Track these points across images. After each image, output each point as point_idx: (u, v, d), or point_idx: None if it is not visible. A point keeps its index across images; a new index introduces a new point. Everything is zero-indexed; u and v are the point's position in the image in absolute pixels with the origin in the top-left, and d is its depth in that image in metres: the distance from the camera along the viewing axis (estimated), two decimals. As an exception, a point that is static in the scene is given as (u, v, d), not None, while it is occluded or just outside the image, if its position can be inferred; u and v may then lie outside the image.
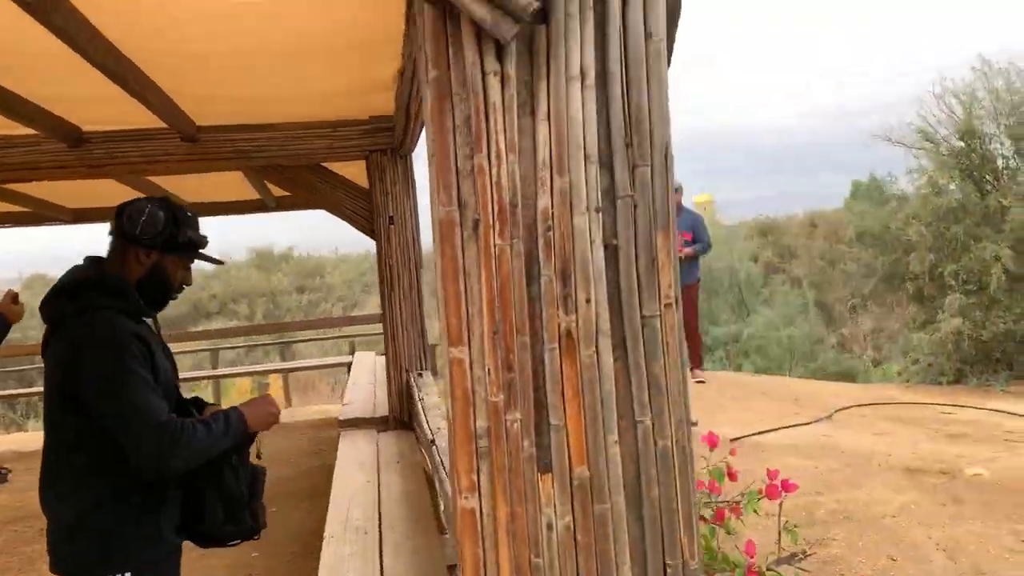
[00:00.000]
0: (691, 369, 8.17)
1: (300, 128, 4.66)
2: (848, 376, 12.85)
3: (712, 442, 3.32)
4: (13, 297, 3.19)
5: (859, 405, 7.88)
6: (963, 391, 9.01)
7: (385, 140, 4.71)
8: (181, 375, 2.37)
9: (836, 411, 6.67)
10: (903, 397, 8.70)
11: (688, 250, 7.95)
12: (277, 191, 6.93)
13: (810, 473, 5.24)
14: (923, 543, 4.34)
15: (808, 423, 6.24)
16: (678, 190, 8.04)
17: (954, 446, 5.55)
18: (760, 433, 5.90)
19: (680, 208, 8.10)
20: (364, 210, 4.96)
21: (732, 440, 5.80)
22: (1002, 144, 9.65)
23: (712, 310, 14.26)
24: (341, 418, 5.06)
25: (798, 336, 12.54)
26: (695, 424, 6.20)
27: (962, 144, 9.71)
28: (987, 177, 9.68)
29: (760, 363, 12.99)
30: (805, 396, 8.56)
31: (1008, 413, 7.66)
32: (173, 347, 2.35)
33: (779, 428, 6.03)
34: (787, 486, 3.14)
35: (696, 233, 8.03)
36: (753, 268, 14.35)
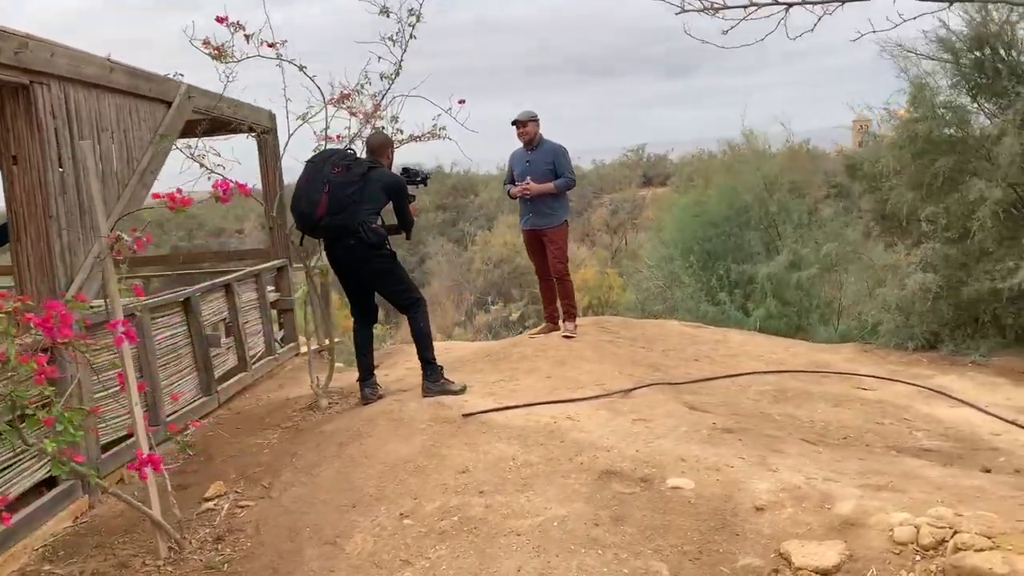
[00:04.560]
0: (563, 322, 7.22)
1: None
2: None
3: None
4: None
5: (766, 372, 6.71)
6: (930, 359, 7.47)
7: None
8: None
9: (644, 386, 5.61)
10: (840, 364, 7.32)
11: (547, 185, 6.94)
12: None
13: (500, 467, 4.39)
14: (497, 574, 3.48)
15: (588, 398, 5.27)
16: (533, 119, 7.00)
17: (702, 446, 4.45)
18: (502, 409, 5.04)
19: (539, 139, 7.04)
20: (-2, 148, 4.52)
21: (464, 416, 5.00)
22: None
23: (744, 245, 12.74)
24: None
25: (810, 279, 10.87)
26: (460, 391, 5.45)
27: (978, 54, 7.79)
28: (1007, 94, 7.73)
29: (775, 309, 11.48)
30: (714, 357, 7.41)
31: (936, 392, 6.24)
32: None
33: (536, 404, 5.12)
34: None
35: (557, 166, 6.98)
36: (792, 199, 12.59)
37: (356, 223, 5.17)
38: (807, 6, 2.25)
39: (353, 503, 4.23)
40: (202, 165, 5.18)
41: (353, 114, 6.39)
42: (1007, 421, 5.53)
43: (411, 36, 5.55)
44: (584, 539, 3.69)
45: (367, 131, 6.22)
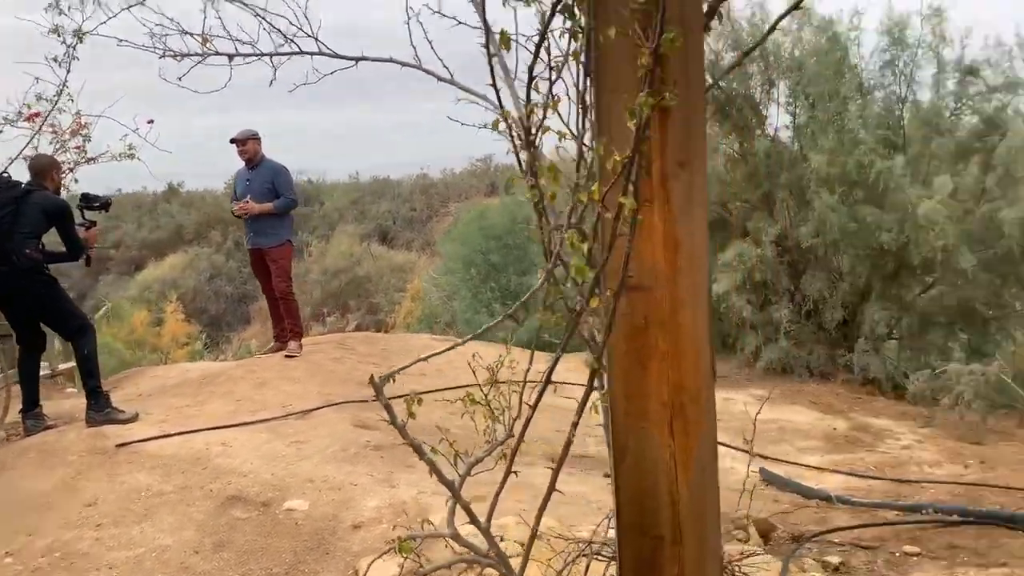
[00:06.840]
0: (287, 343, 7.21)
1: None
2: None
3: None
4: None
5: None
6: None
7: None
8: None
9: (330, 405, 5.68)
10: (567, 375, 7.64)
11: (266, 206, 6.93)
12: None
13: (130, 498, 4.33)
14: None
15: (254, 422, 5.29)
16: (253, 137, 6.98)
17: (340, 465, 4.56)
18: (158, 438, 4.98)
19: (260, 158, 7.04)
20: None
21: (117, 446, 4.91)
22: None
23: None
24: None
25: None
26: (129, 420, 5.33)
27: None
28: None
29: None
30: (445, 371, 7.56)
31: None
32: None
33: (195, 431, 5.09)
34: None
35: (277, 185, 6.99)
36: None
37: (8, 248, 4.99)
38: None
39: (-37, 543, 4.07)
40: None
41: (54, 132, 6.22)
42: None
43: (74, 57, 5.43)
44: (176, 567, 3.70)
45: (55, 150, 6.05)
